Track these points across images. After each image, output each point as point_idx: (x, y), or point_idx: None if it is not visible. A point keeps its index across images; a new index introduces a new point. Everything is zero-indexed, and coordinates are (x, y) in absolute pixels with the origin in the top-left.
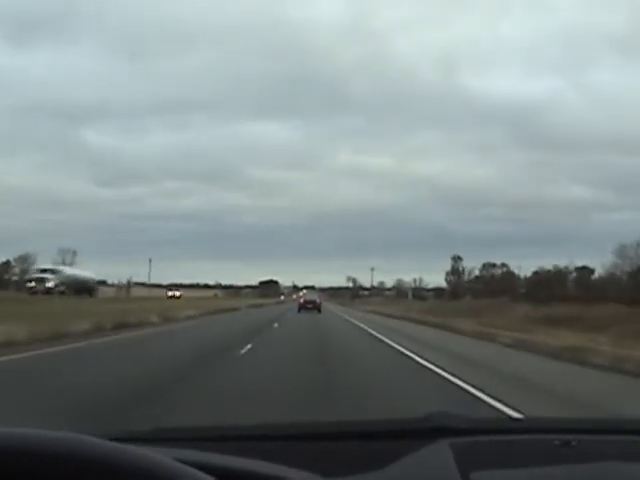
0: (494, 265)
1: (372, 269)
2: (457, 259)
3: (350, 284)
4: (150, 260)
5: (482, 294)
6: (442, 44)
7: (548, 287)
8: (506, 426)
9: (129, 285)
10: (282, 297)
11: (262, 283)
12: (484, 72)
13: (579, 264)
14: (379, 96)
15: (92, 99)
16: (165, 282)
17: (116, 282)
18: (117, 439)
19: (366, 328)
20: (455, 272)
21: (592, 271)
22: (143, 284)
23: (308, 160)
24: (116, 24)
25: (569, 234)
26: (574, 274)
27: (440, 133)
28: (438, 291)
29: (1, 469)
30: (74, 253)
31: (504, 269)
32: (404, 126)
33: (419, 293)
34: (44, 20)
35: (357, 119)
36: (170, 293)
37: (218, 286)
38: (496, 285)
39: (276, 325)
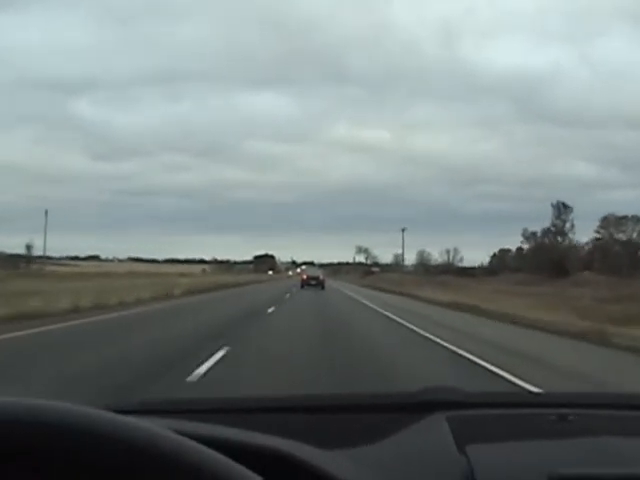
0: (624, 218)
1: (403, 230)
2: (562, 207)
3: (356, 258)
4: (46, 213)
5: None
6: (443, 14)
7: None
8: (503, 400)
9: (30, 257)
10: (270, 272)
11: (257, 258)
12: (486, 44)
13: None
14: (378, 68)
15: (84, 70)
16: (161, 258)
17: (110, 257)
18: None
19: None
20: (558, 231)
21: None
22: (139, 259)
23: (306, 132)
24: None
25: (574, 211)
26: None
27: (441, 107)
28: (489, 267)
29: None
30: None
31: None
32: (404, 99)
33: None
34: None
35: (356, 91)
36: None
37: (214, 261)
38: None
39: None
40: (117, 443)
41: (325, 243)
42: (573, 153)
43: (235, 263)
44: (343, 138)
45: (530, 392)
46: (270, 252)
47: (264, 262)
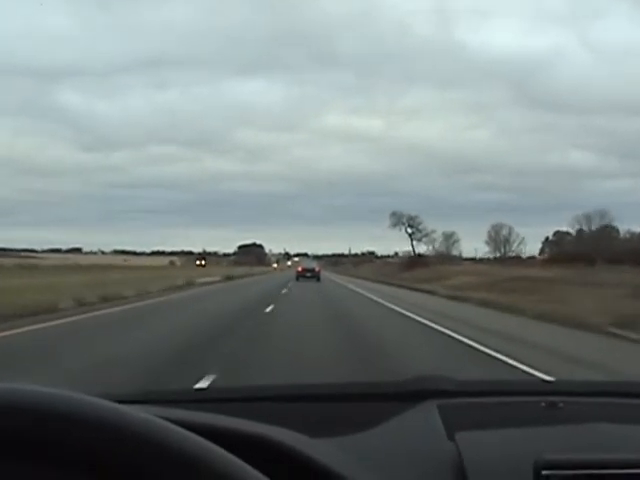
0: None
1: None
2: None
3: (349, 250)
4: None
5: None
6: None
7: None
8: (493, 388)
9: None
10: (201, 262)
11: (241, 247)
12: (482, 25)
13: None
14: (369, 51)
15: (68, 58)
16: (148, 250)
17: (95, 250)
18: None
19: None
20: None
21: None
22: (125, 251)
23: (296, 121)
24: None
25: (570, 201)
26: None
27: (434, 92)
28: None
29: None
30: None
31: None
32: (396, 84)
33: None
34: None
35: (347, 77)
36: None
37: (204, 253)
38: None
39: None
40: (102, 428)
41: (319, 234)
42: (570, 141)
43: (224, 255)
44: (335, 126)
45: (521, 380)
46: (258, 241)
47: (250, 252)
